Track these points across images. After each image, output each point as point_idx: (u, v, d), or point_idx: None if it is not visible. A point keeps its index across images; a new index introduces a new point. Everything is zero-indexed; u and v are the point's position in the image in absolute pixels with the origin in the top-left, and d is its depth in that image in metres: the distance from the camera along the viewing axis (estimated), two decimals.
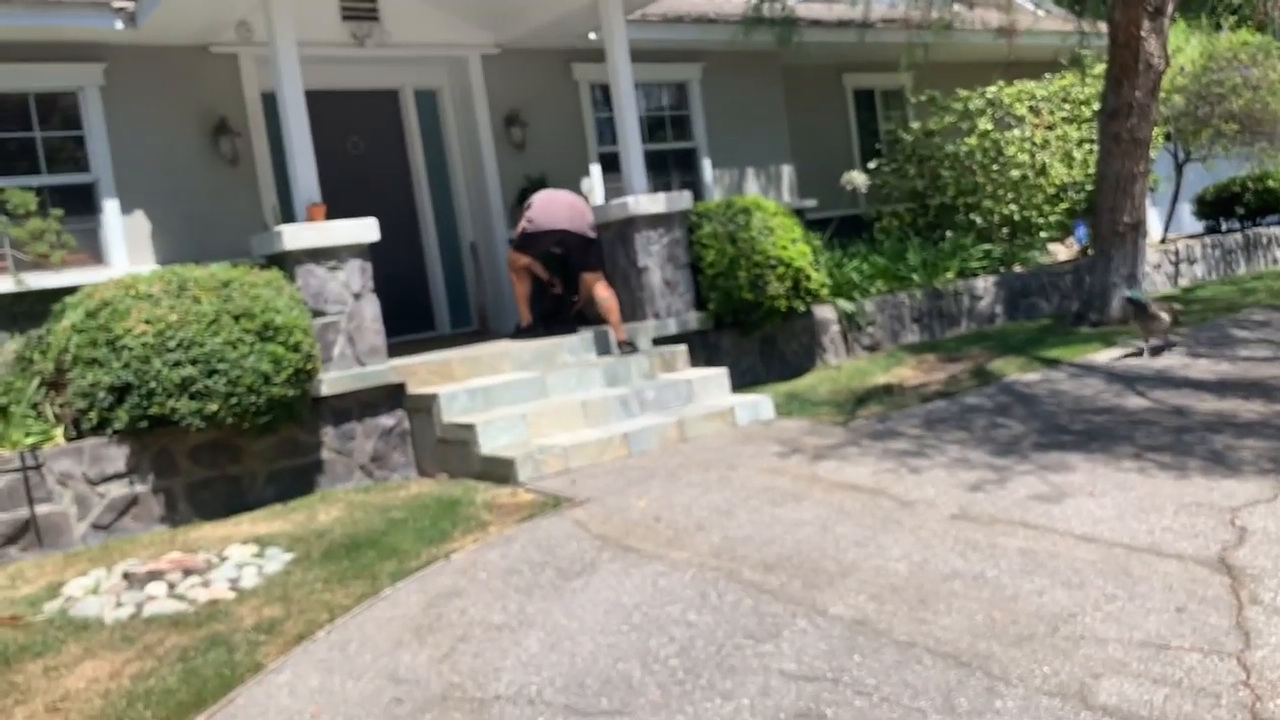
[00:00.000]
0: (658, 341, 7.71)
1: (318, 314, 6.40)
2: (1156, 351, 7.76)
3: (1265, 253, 12.96)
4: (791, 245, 7.93)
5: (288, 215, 7.59)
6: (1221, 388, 6.57)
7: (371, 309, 6.61)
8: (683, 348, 7.55)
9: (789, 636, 3.43)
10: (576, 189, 8.71)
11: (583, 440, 6.17)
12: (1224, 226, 13.54)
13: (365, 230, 6.59)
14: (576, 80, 9.73)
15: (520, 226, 7.71)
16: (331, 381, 6.34)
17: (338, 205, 7.07)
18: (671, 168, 10.56)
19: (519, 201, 8.66)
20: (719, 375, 7.27)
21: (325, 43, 8.15)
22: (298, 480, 6.27)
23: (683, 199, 8.08)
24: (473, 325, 9.28)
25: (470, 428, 6.15)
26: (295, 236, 6.38)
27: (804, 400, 7.37)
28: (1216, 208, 13.54)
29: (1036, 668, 3.05)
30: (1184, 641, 3.16)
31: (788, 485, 5.24)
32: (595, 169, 9.83)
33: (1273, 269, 12.73)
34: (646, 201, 7.89)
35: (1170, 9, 8.69)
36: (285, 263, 6.41)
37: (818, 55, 11.31)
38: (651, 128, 10.49)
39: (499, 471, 5.93)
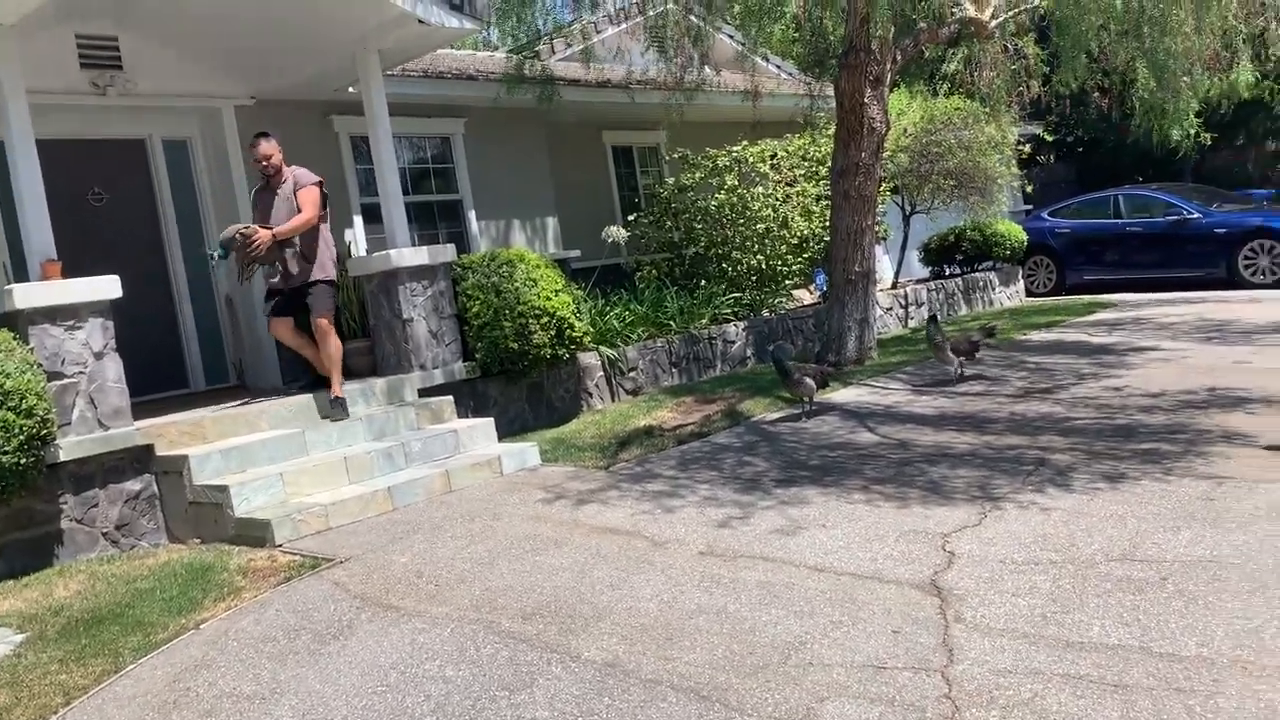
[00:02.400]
0: (425, 393, 7.71)
1: (54, 376, 6.02)
2: (811, 415, 8.49)
3: (982, 295, 14.38)
4: (555, 295, 8.15)
5: (20, 273, 7.10)
6: (940, 421, 7.27)
7: (114, 369, 6.28)
8: (449, 398, 7.60)
9: (543, 684, 3.56)
10: (339, 240, 8.60)
11: (345, 497, 6.10)
12: (947, 272, 14.92)
13: (106, 287, 6.27)
14: (337, 132, 9.65)
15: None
16: (70, 446, 5.97)
17: (79, 259, 6.69)
18: (438, 219, 10.62)
19: None
20: (486, 425, 7.37)
21: (63, 90, 7.73)
22: (33, 553, 5.85)
23: (446, 251, 8.15)
24: (230, 381, 8.94)
25: (224, 489, 5.95)
26: (27, 295, 5.99)
27: (570, 445, 7.57)
28: (940, 255, 14.91)
29: (769, 695, 3.32)
30: (898, 661, 3.52)
31: (549, 532, 5.39)
32: (358, 220, 9.75)
33: (989, 310, 14.14)
34: (410, 254, 7.91)
35: (889, 78, 9.60)
36: (17, 323, 6.01)
37: (578, 113, 11.71)
38: (417, 179, 10.53)
39: (255, 534, 5.76)
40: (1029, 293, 15.58)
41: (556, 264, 9.60)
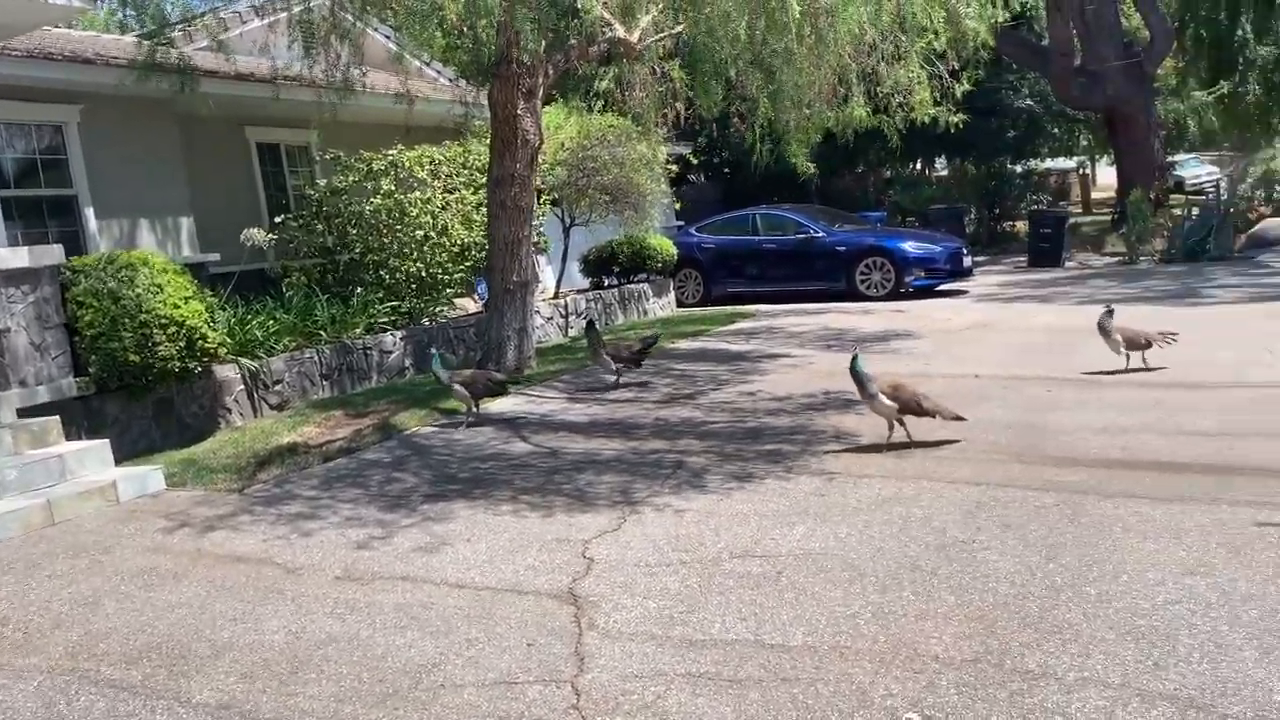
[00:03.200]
0: (27, 413, 6.81)
1: None
2: (471, 425, 8.58)
3: (637, 305, 14.98)
4: (184, 303, 7.50)
5: None
6: (591, 428, 7.44)
7: None
8: (56, 419, 6.76)
9: None
10: None
11: None
12: (605, 283, 15.41)
13: None
14: None
15: None
16: None
17: None
18: (48, 216, 9.47)
19: None
20: (100, 447, 6.62)
21: None
22: None
23: (52, 252, 7.26)
24: None
25: None
26: None
27: (202, 467, 6.97)
28: (599, 266, 15.38)
29: None
30: (530, 675, 3.50)
31: (168, 565, 4.91)
32: None
33: (643, 319, 14.75)
34: (6, 254, 6.97)
35: (541, 92, 9.73)
36: None
37: (219, 106, 10.88)
38: (23, 172, 9.33)
39: None
40: (679, 303, 16.44)
41: (191, 268, 8.86)
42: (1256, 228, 17.99)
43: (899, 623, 3.66)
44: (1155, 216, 18.35)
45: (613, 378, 9.04)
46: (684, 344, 11.72)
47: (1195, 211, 18.30)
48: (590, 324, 9.51)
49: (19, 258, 7.01)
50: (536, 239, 13.27)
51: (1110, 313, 8.02)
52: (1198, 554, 4.11)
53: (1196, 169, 30.37)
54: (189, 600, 4.41)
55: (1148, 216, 17.96)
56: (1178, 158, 28.45)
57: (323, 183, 11.54)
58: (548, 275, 15.16)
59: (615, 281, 15.39)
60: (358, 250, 10.97)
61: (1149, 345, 7.90)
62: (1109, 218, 22.61)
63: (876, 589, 3.99)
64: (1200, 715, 2.91)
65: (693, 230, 17.13)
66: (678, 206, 17.51)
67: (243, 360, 8.46)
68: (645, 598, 4.09)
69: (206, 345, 7.64)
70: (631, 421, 7.61)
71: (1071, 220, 21.48)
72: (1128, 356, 7.99)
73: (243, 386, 8.51)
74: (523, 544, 4.86)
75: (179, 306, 7.42)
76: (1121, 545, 4.27)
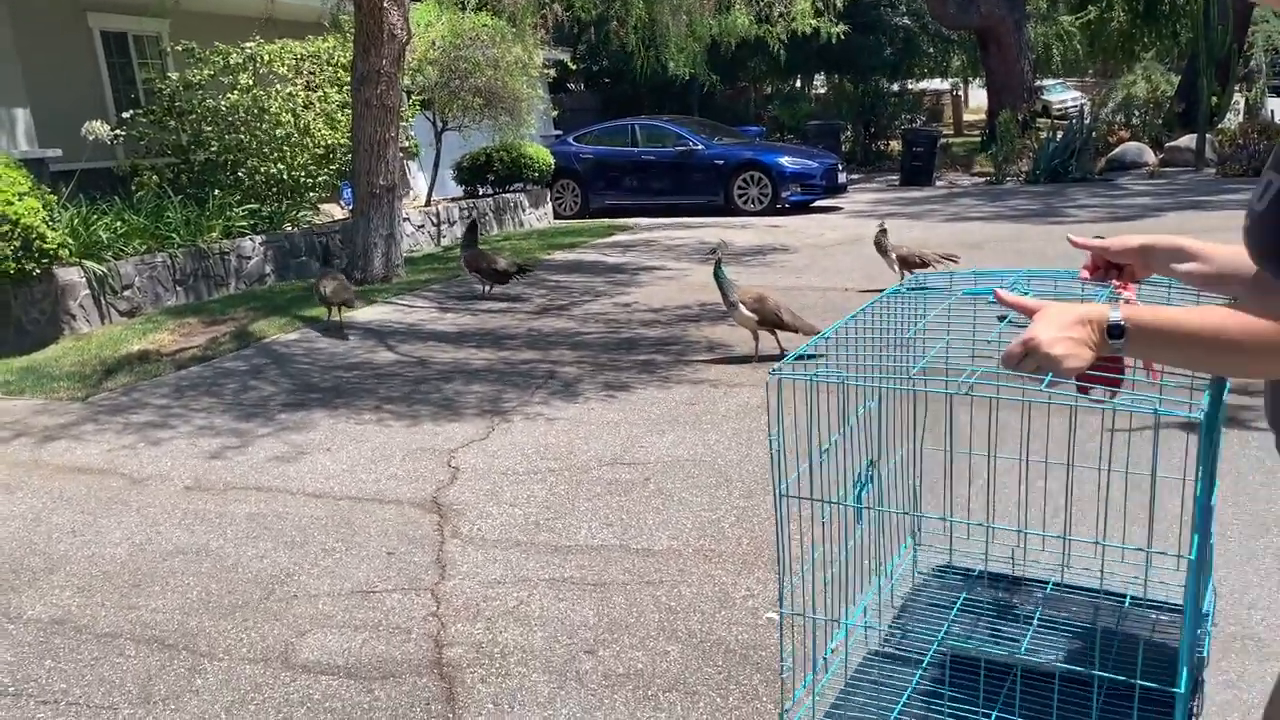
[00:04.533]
0: None
1: None
2: (330, 333, 8.33)
3: (513, 215, 14.66)
4: (19, 200, 6.96)
5: None
6: (461, 338, 7.27)
7: None
8: None
9: None
10: None
11: None
12: (480, 192, 15.01)
13: None
14: None
15: None
16: None
17: None
18: None
19: None
20: None
21: None
22: None
23: None
24: None
25: None
26: None
27: (42, 375, 6.55)
28: (474, 174, 14.92)
29: (244, 636, 3.05)
30: (389, 584, 3.40)
31: (1, 476, 4.60)
32: None
33: (519, 230, 14.46)
34: None
35: None
36: None
37: None
38: None
39: None
40: (556, 215, 16.16)
41: (29, 164, 8.23)
42: (1115, 151, 18.61)
43: (762, 526, 3.69)
44: (1022, 138, 18.84)
45: (483, 287, 8.85)
46: (560, 255, 11.54)
47: (1059, 134, 18.86)
48: (472, 224, 9.24)
49: None
50: (406, 142, 12.80)
51: (884, 231, 8.16)
52: None
53: (1062, 94, 31.27)
54: (22, 513, 4.14)
55: (1015, 137, 18.42)
56: (1045, 82, 29.22)
57: (175, 76, 10.79)
58: (419, 182, 14.68)
59: (490, 191, 14.99)
60: (214, 149, 10.35)
61: (925, 265, 8.00)
62: (979, 139, 23.15)
63: (742, 494, 4.01)
64: None
65: (570, 140, 16.77)
66: (555, 114, 17.09)
67: (88, 263, 7.92)
68: (511, 505, 4.02)
69: (45, 246, 7.13)
70: (504, 332, 7.46)
71: (943, 140, 21.89)
72: (902, 275, 8.18)
73: (88, 291, 7.98)
74: (386, 454, 4.72)
75: (13, 203, 6.88)
76: None
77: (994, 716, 1.75)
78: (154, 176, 10.11)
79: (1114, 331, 1.26)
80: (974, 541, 2.17)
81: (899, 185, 18.86)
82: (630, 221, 14.80)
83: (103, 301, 8.11)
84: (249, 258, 9.67)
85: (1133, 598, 2.06)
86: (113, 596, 3.34)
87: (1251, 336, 1.16)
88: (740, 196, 15.00)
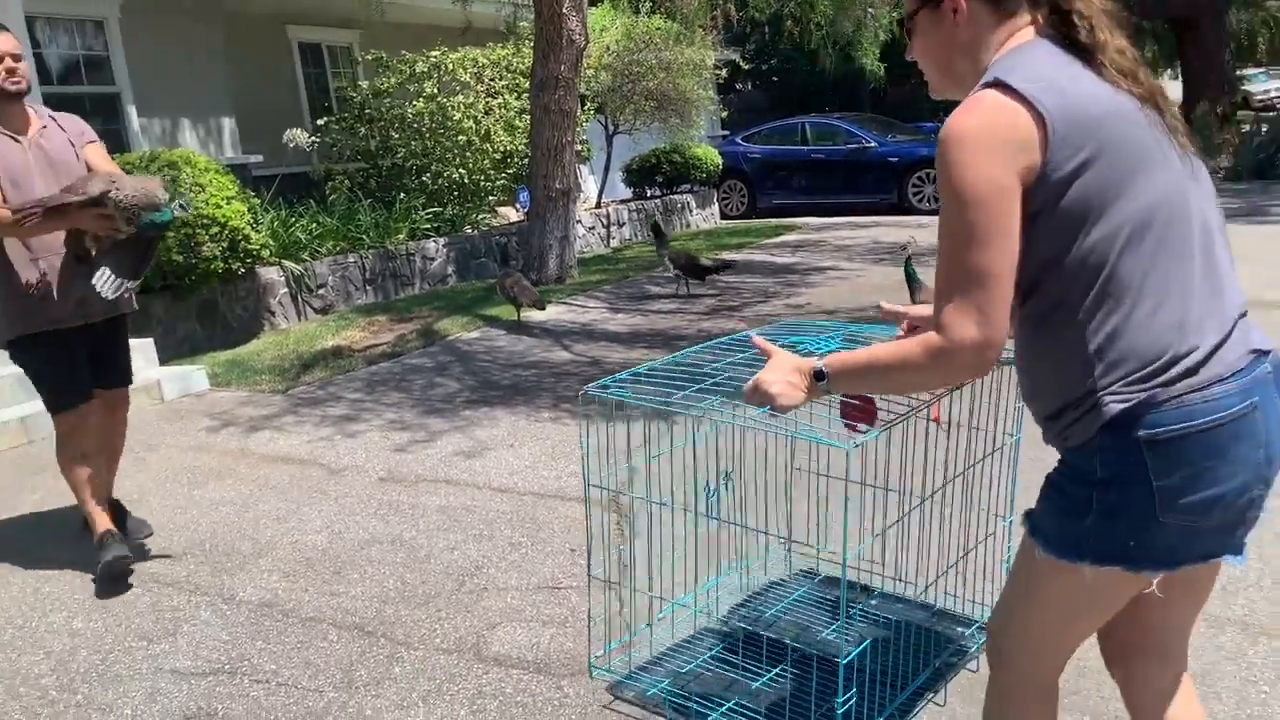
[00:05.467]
0: None
1: None
2: (513, 330, 8.46)
3: (680, 216, 14.73)
4: (227, 204, 7.43)
5: None
6: (633, 339, 7.33)
7: None
8: None
9: (188, 631, 3.20)
10: None
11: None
12: (648, 193, 15.15)
13: None
14: None
15: None
16: None
17: None
18: (91, 114, 9.32)
19: None
20: (144, 346, 6.62)
21: None
22: None
23: None
24: None
25: None
26: None
27: (246, 368, 6.98)
28: (642, 176, 15.09)
29: (438, 626, 3.15)
30: (574, 580, 3.44)
31: (213, 463, 4.92)
32: None
33: (685, 231, 14.51)
34: None
35: None
36: None
37: (261, 3, 10.70)
38: (66, 69, 9.24)
39: None
40: (723, 215, 16.15)
41: (233, 169, 8.77)
42: None
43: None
44: (1222, 132, 17.63)
45: (677, 281, 8.96)
46: (729, 257, 11.50)
47: (1264, 128, 17.54)
48: (656, 226, 9.38)
49: None
50: (579, 146, 13.02)
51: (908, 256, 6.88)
52: None
53: (1265, 84, 29.12)
54: (232, 498, 4.40)
55: (1214, 132, 17.26)
56: (1246, 71, 27.27)
57: (365, 84, 11.33)
58: (590, 185, 14.92)
59: (659, 192, 15.12)
60: (400, 155, 10.82)
61: None
62: None
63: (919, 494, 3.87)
64: None
65: (739, 139, 16.72)
66: (724, 114, 17.05)
67: (286, 263, 8.41)
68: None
69: (250, 246, 7.59)
70: (674, 333, 7.48)
71: None
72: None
73: (286, 289, 8.47)
74: (565, 451, 4.80)
75: (221, 207, 7.35)
76: None
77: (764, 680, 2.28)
78: (345, 181, 10.65)
79: (818, 375, 1.57)
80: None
81: None
82: (799, 221, 14.63)
83: (299, 299, 8.59)
84: (432, 259, 10.05)
85: (938, 609, 2.46)
86: (315, 582, 3.51)
87: (912, 359, 1.46)
88: (915, 195, 14.59)
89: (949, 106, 1.59)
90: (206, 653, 3.06)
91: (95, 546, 3.59)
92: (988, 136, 1.40)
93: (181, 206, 3.66)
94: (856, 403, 1.92)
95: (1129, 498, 1.45)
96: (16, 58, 3.56)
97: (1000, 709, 1.72)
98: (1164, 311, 1.43)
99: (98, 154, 3.80)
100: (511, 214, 12.39)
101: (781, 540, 2.74)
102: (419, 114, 10.69)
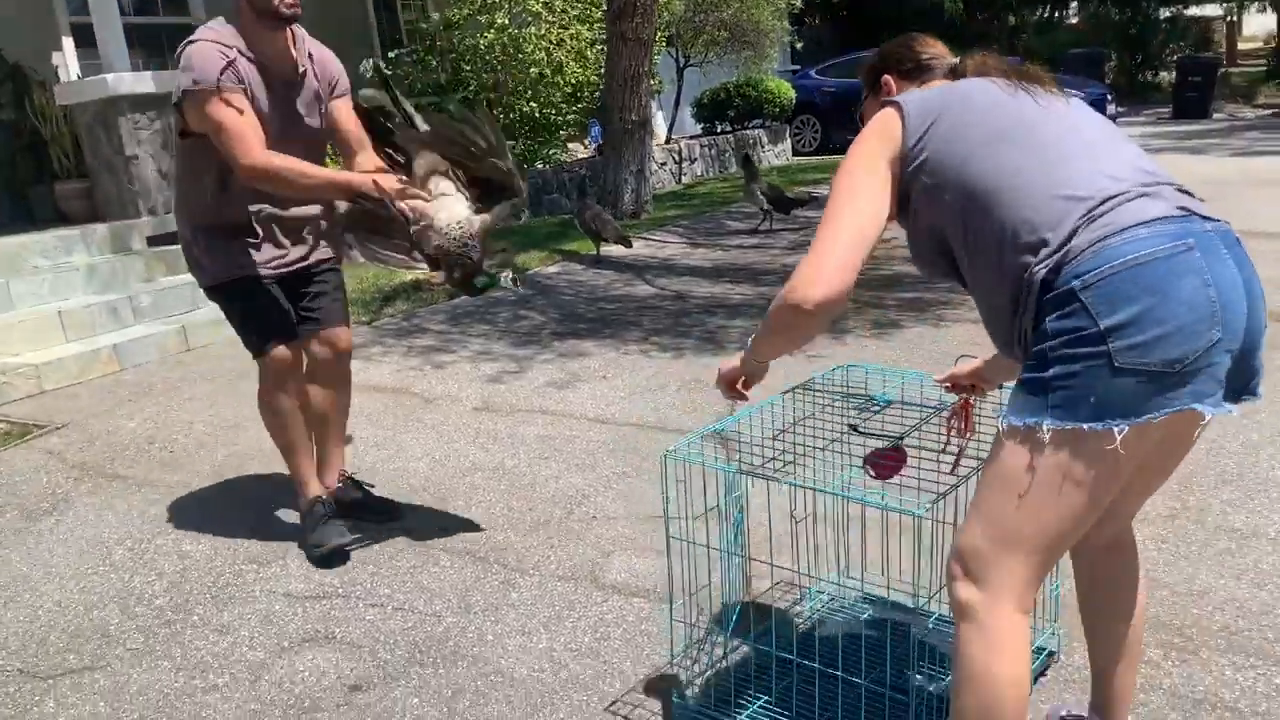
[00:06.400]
0: (157, 240, 6.84)
1: None
2: (593, 265, 8.31)
3: (752, 152, 14.41)
4: None
5: None
6: (716, 273, 7.18)
7: None
8: (179, 248, 6.77)
9: (297, 554, 3.17)
10: (47, 65, 7.39)
11: (60, 356, 5.32)
12: (719, 129, 14.83)
13: None
14: None
15: None
16: None
17: None
18: (167, 47, 9.35)
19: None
20: None
21: None
22: None
23: (178, 79, 7.13)
24: None
25: None
26: None
27: None
28: (713, 111, 14.75)
29: (552, 553, 3.08)
30: (682, 512, 3.34)
31: None
32: (68, 43, 8.43)
33: (760, 167, 14.20)
34: (131, 79, 6.87)
35: None
36: None
37: None
38: (143, 1, 9.22)
39: None
40: (795, 151, 15.79)
41: None
42: None
43: None
44: None
45: (762, 216, 8.80)
46: (805, 191, 11.23)
47: None
48: (746, 157, 9.20)
49: (145, 82, 6.91)
50: (652, 80, 12.76)
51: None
52: None
53: None
54: None
55: None
56: None
57: (435, 16, 11.15)
58: (659, 120, 14.65)
59: (729, 128, 14.79)
60: (472, 88, 10.65)
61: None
62: (1263, 68, 20.86)
63: None
64: None
65: (811, 73, 16.27)
66: (796, 47, 16.57)
67: None
68: None
69: None
70: (758, 267, 7.32)
71: (1222, 69, 19.86)
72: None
73: None
74: (660, 383, 4.69)
75: None
76: None
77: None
78: None
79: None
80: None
81: (1170, 118, 17.28)
82: None
83: None
84: None
85: None
86: (420, 509, 3.46)
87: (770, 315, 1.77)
88: None
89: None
90: (319, 577, 3.02)
91: (302, 514, 3.22)
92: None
93: (515, 279, 2.92)
94: (887, 461, 2.13)
95: (1082, 349, 1.45)
96: None
97: (975, 637, 1.56)
98: (1039, 190, 1.54)
99: (348, 113, 3.12)
100: (580, 150, 12.21)
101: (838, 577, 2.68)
102: (490, 45, 10.50)
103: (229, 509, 3.56)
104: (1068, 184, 1.53)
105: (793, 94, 14.89)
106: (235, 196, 3.00)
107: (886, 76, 1.94)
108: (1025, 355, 1.57)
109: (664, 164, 12.51)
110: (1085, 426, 1.45)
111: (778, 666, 2.30)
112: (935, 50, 1.93)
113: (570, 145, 11.95)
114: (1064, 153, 1.59)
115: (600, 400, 4.49)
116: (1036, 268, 1.50)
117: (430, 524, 3.33)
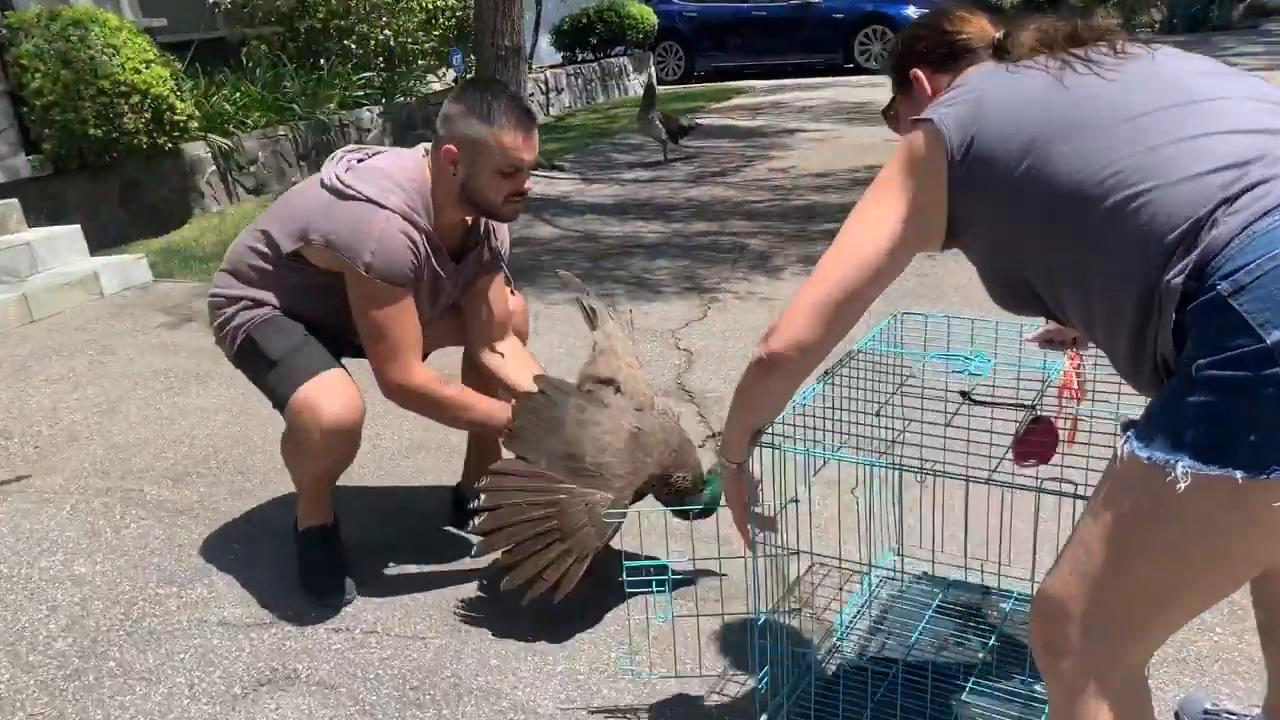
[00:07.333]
0: None
1: None
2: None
3: (618, 83, 13.89)
4: (146, 69, 6.48)
5: None
6: (621, 210, 6.73)
7: None
8: (15, 203, 5.87)
9: (222, 570, 2.63)
10: None
11: None
12: (580, 57, 14.22)
13: None
14: None
15: None
16: None
17: None
18: None
19: None
20: (70, 234, 5.78)
21: None
22: None
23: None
24: None
25: None
26: None
27: (188, 256, 6.19)
28: (573, 38, 14.12)
29: None
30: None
31: (187, 365, 4.25)
32: None
33: (628, 98, 13.71)
34: None
35: None
36: None
37: None
38: None
39: None
40: (659, 80, 15.33)
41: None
42: None
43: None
44: None
45: (664, 148, 8.46)
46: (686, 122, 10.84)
47: None
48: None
49: None
50: None
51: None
52: None
53: None
54: (224, 404, 3.77)
55: None
56: None
57: None
58: None
59: (591, 56, 14.20)
60: (321, 15, 9.74)
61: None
62: None
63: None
64: None
65: None
66: None
67: (213, 137, 7.49)
68: None
69: (176, 118, 6.68)
70: (663, 202, 6.91)
71: None
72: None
73: (214, 167, 7.57)
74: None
75: (140, 72, 6.41)
76: None
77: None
78: (262, 46, 9.56)
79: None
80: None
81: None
82: (746, 84, 13.97)
83: (229, 178, 7.71)
84: (368, 130, 9.16)
85: None
86: (353, 496, 2.96)
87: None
88: (862, 53, 14.01)
89: None
90: (256, 597, 2.50)
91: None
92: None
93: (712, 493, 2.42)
94: (1037, 440, 1.78)
95: (1240, 372, 1.06)
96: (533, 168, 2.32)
97: (1070, 710, 1.24)
98: (1143, 180, 1.18)
99: (500, 293, 2.59)
100: (435, 83, 11.41)
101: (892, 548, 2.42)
102: None
103: (125, 515, 2.97)
104: (1180, 162, 1.16)
105: (655, 20, 14.40)
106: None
107: (916, 71, 1.58)
108: (1156, 390, 1.20)
109: (531, 94, 11.87)
110: (1239, 475, 1.07)
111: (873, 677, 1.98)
112: (972, 28, 1.55)
113: (429, 76, 11.15)
114: (1166, 123, 1.20)
115: (542, 360, 4.02)
116: (1168, 279, 1.13)
117: (380, 515, 2.84)
